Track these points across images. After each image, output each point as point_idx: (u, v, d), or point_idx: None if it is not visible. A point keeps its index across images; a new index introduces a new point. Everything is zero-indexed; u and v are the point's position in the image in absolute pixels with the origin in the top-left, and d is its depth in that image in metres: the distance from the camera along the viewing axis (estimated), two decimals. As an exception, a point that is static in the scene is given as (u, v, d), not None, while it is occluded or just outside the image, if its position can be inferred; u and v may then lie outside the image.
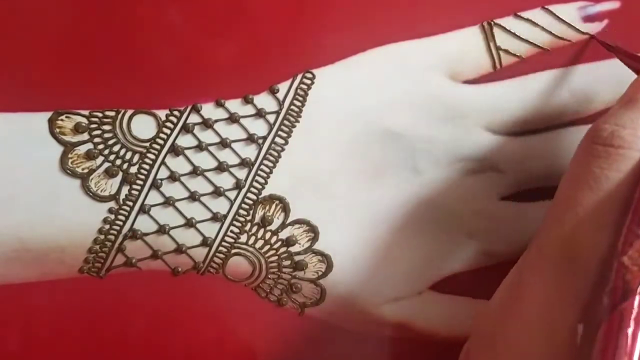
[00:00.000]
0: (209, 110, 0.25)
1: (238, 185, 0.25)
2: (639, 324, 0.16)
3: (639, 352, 0.16)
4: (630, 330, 0.16)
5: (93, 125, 0.24)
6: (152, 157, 0.25)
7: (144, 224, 0.25)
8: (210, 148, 0.25)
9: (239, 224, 0.25)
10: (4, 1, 0.23)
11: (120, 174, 0.25)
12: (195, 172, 0.25)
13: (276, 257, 0.26)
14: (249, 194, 0.25)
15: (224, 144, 0.25)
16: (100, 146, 0.24)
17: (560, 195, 0.20)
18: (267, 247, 0.26)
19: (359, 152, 0.26)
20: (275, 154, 0.25)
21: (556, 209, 0.20)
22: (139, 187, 0.25)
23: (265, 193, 0.26)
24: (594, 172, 0.19)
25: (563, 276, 0.19)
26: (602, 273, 0.18)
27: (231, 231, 0.25)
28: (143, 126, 0.25)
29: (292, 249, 0.26)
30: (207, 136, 0.25)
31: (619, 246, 0.18)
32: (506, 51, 0.26)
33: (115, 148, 0.25)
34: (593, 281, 0.18)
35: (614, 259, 0.17)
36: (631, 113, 0.20)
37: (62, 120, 0.24)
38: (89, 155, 0.24)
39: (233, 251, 0.26)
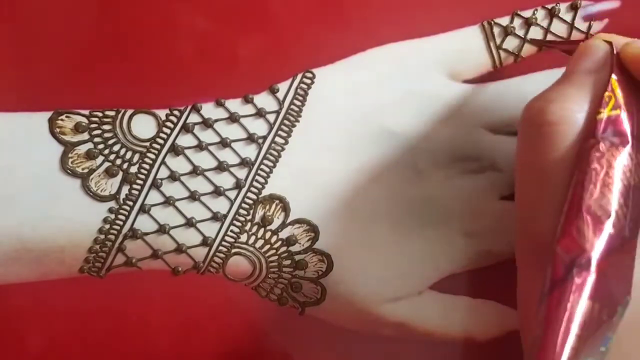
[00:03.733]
0: (209, 110, 0.25)
1: (238, 185, 0.25)
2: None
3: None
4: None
5: (93, 125, 0.24)
6: (152, 156, 0.25)
7: (144, 223, 0.25)
8: (210, 148, 0.25)
9: (239, 224, 0.25)
10: (5, 2, 0.23)
11: (121, 173, 0.25)
12: (195, 171, 0.25)
13: (276, 257, 0.26)
14: (249, 194, 0.25)
15: (224, 143, 0.25)
16: (101, 146, 0.24)
17: (516, 188, 0.20)
18: (268, 246, 0.26)
19: (359, 151, 0.26)
20: (275, 153, 0.25)
21: (517, 204, 0.20)
22: (139, 187, 0.25)
23: (265, 193, 0.26)
24: (533, 158, 0.19)
25: (530, 267, 0.19)
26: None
27: (231, 231, 0.25)
28: (143, 126, 0.25)
29: (293, 249, 0.26)
30: (207, 136, 0.25)
31: (557, 234, 0.17)
32: (506, 50, 0.26)
33: (116, 148, 0.25)
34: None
35: (553, 246, 0.17)
36: (560, 87, 0.19)
37: (62, 120, 0.24)
38: (89, 155, 0.24)
39: (233, 251, 0.26)
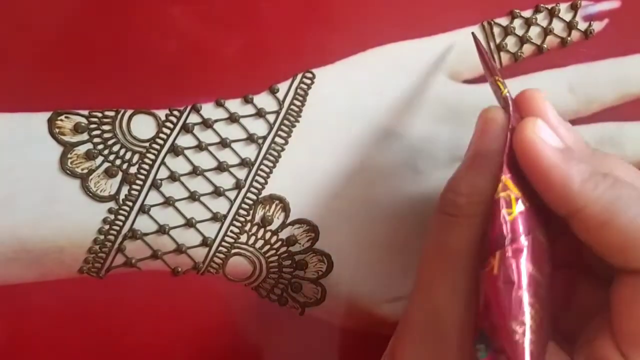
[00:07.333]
0: (208, 110, 0.25)
1: (238, 185, 0.25)
2: None
3: None
4: None
5: (92, 126, 0.24)
6: (152, 157, 0.25)
7: (143, 224, 0.25)
8: (210, 148, 0.25)
9: (239, 224, 0.25)
10: (4, 1, 0.23)
11: (120, 174, 0.25)
12: (195, 172, 0.25)
13: (276, 257, 0.26)
14: (249, 194, 0.25)
15: (223, 143, 0.25)
16: (100, 146, 0.24)
17: (420, 261, 0.21)
18: (267, 247, 0.26)
19: (359, 151, 0.26)
20: (275, 153, 0.25)
21: (418, 277, 0.21)
22: (138, 187, 0.25)
23: (265, 193, 0.26)
24: (440, 241, 0.20)
25: (425, 345, 0.20)
26: (463, 336, 0.19)
27: (231, 231, 0.25)
28: (143, 126, 0.25)
29: (293, 249, 0.26)
30: (207, 136, 0.25)
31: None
32: (506, 51, 0.26)
33: (115, 148, 0.25)
34: (456, 344, 0.19)
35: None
36: (470, 177, 0.20)
37: (61, 120, 0.24)
38: (89, 156, 0.24)
39: (233, 251, 0.26)
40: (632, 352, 0.18)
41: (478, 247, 0.19)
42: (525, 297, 0.17)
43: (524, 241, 0.18)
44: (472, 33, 0.25)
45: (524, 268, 0.18)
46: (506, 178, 0.19)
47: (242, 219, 0.25)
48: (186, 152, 0.25)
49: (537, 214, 0.19)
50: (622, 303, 0.18)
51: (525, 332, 0.17)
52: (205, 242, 0.25)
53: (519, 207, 0.18)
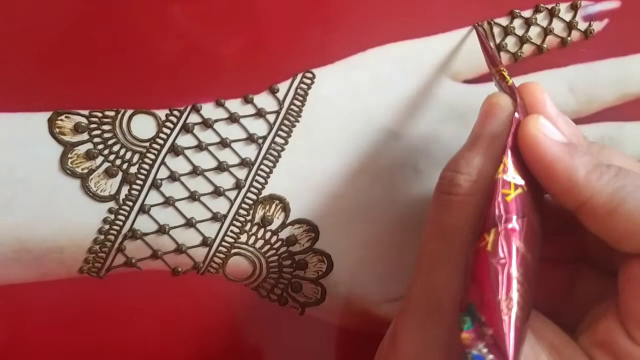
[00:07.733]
0: (209, 110, 0.25)
1: (238, 185, 0.25)
2: None
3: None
4: None
5: (93, 125, 0.24)
6: (152, 157, 0.25)
7: (144, 224, 0.25)
8: (210, 148, 0.25)
9: (239, 224, 0.25)
10: (4, 1, 0.23)
11: (120, 174, 0.25)
12: (195, 172, 0.25)
13: (276, 257, 0.26)
14: (249, 194, 0.25)
15: (224, 143, 0.25)
16: (100, 146, 0.24)
17: (420, 243, 0.21)
18: (268, 246, 0.26)
19: (359, 151, 0.26)
20: (275, 153, 0.25)
21: (419, 258, 0.21)
22: (138, 187, 0.25)
23: (265, 193, 0.26)
24: (439, 220, 0.20)
25: (427, 324, 0.19)
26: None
27: (231, 231, 0.25)
28: (143, 126, 0.25)
29: (293, 249, 0.26)
30: (207, 136, 0.25)
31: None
32: (506, 51, 0.26)
33: (115, 148, 0.25)
34: (452, 325, 0.18)
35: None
36: (469, 156, 0.20)
37: (61, 120, 0.24)
38: (89, 155, 0.24)
39: (233, 251, 0.26)
40: None
41: (475, 225, 0.19)
42: (515, 275, 0.17)
43: (518, 222, 0.18)
44: (475, 25, 0.25)
45: (516, 247, 0.18)
46: (508, 160, 0.19)
47: (242, 218, 0.25)
48: (186, 152, 0.25)
49: (534, 201, 0.19)
50: (632, 284, 0.18)
51: (512, 308, 0.17)
52: (205, 242, 0.25)
53: (518, 189, 0.19)
